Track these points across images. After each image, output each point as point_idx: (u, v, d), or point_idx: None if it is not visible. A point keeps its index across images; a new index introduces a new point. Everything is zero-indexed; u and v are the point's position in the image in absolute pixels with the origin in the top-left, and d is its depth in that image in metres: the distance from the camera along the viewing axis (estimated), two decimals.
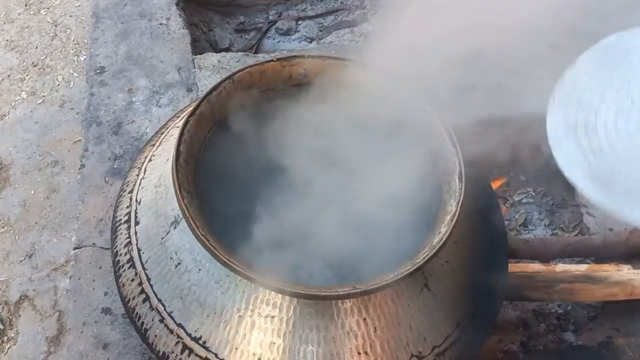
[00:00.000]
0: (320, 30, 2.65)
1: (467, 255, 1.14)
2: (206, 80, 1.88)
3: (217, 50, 2.35)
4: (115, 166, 1.67)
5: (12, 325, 1.69)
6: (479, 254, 1.17)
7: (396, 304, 1.01)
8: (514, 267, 1.48)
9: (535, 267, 1.51)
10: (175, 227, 1.07)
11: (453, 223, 0.97)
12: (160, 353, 1.06)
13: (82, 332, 1.40)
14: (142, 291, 1.09)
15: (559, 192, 1.92)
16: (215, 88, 1.11)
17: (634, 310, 1.50)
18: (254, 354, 0.99)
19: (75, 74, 2.21)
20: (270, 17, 2.70)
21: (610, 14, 2.04)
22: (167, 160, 1.08)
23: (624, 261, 1.55)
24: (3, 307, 1.71)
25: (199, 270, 1.03)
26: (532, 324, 1.63)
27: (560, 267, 1.52)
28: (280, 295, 0.97)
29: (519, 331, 1.61)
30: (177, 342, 1.04)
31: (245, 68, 1.14)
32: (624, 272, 1.48)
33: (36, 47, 2.30)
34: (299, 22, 2.69)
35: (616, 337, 1.47)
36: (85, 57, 2.18)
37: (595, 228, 1.70)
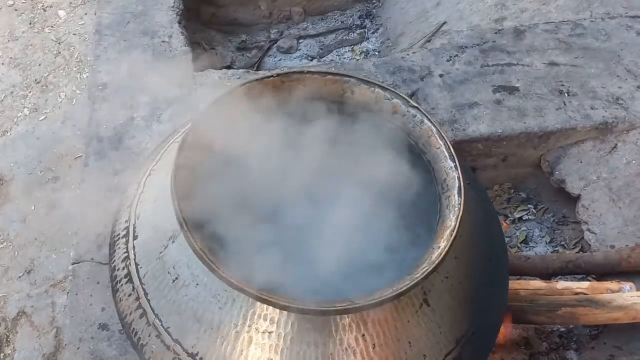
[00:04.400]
0: (322, 49, 2.68)
1: (467, 271, 1.12)
2: (207, 97, 1.89)
3: (218, 68, 2.36)
4: (115, 182, 1.67)
5: (9, 342, 1.67)
6: (479, 271, 1.16)
7: (395, 320, 1.00)
8: (515, 284, 1.47)
9: (537, 284, 1.50)
10: (173, 242, 1.06)
11: (452, 238, 0.97)
12: None
13: (78, 349, 1.38)
14: (140, 306, 1.08)
15: (560, 209, 1.92)
16: (215, 103, 1.12)
17: (637, 328, 1.49)
18: None
19: (78, 91, 2.23)
20: (272, 36, 2.72)
21: (606, 33, 2.05)
22: (167, 175, 1.08)
23: (625, 278, 1.54)
24: (0, 324, 1.70)
25: (197, 285, 1.02)
26: (535, 342, 1.61)
27: (562, 284, 1.51)
28: (278, 311, 0.96)
29: (522, 350, 1.59)
30: (174, 359, 1.03)
31: (246, 83, 1.15)
32: (628, 296, 1.45)
33: (39, 65, 2.32)
34: (301, 41, 2.72)
35: (619, 356, 1.45)
36: (88, 74, 2.19)
37: (597, 245, 1.69)
